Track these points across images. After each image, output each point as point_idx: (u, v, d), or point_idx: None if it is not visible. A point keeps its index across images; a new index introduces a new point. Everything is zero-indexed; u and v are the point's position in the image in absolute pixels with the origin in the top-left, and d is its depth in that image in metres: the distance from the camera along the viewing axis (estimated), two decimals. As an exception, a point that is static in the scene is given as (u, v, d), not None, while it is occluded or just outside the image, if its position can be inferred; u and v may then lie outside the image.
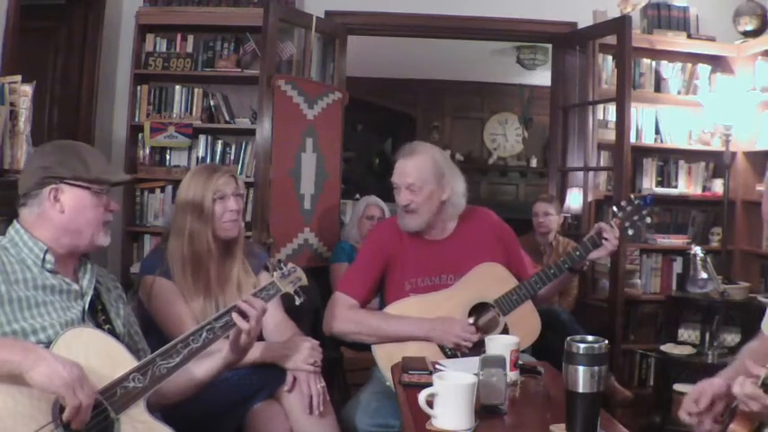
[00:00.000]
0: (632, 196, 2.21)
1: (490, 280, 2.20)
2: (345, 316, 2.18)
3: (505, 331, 2.12)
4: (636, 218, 2.18)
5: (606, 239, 2.14)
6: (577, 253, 2.18)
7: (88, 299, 1.56)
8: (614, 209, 2.21)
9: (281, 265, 1.86)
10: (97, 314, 1.58)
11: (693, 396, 1.48)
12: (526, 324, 2.16)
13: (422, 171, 2.19)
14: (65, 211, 1.51)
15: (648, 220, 2.19)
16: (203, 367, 1.67)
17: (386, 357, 2.12)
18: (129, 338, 1.66)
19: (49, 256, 1.50)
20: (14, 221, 1.55)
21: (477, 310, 2.18)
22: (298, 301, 1.86)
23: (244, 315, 1.64)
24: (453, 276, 2.21)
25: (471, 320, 2.14)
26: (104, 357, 1.43)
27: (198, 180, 2.09)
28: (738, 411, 1.38)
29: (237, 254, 2.13)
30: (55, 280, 1.51)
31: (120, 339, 1.54)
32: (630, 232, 2.19)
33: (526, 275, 2.26)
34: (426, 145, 2.33)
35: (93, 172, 1.54)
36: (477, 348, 1.99)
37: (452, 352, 2.12)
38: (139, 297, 2.07)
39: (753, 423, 1.36)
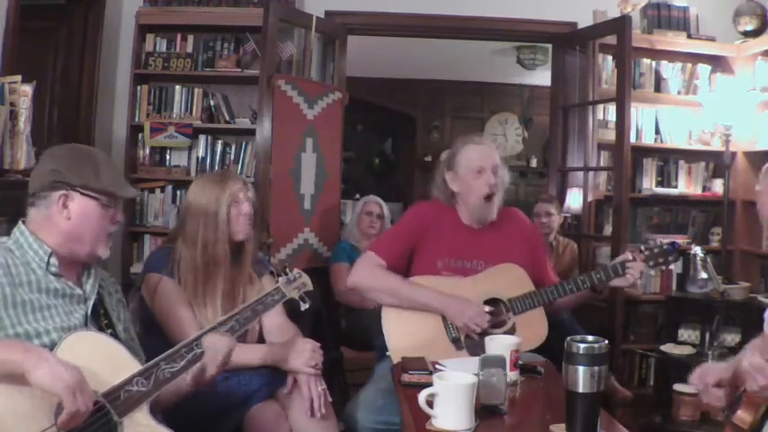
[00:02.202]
0: (660, 241, 2.26)
1: (509, 279, 2.24)
2: (370, 272, 2.25)
3: (512, 331, 2.15)
4: (661, 260, 2.21)
5: (629, 270, 2.17)
6: (598, 275, 2.20)
7: (91, 303, 1.56)
8: (642, 246, 2.25)
9: (287, 270, 1.86)
10: (99, 318, 1.57)
11: (699, 373, 1.54)
12: (533, 328, 2.19)
13: (498, 156, 2.31)
14: (71, 219, 1.51)
15: (672, 266, 2.22)
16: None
17: (394, 328, 2.19)
18: (127, 344, 1.65)
19: (53, 260, 1.50)
20: (20, 223, 1.55)
21: (490, 305, 2.22)
22: (303, 307, 1.86)
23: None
24: (484, 263, 2.27)
25: (488, 308, 2.17)
26: (107, 361, 1.43)
27: (211, 187, 2.09)
28: (744, 398, 1.39)
29: (246, 261, 2.13)
30: (58, 283, 1.51)
31: (121, 343, 1.53)
32: (652, 273, 2.24)
33: (548, 280, 2.33)
34: (484, 138, 2.45)
35: (103, 183, 1.53)
36: (482, 340, 2.00)
37: (456, 335, 2.17)
38: (141, 295, 2.07)
39: (759, 409, 1.37)
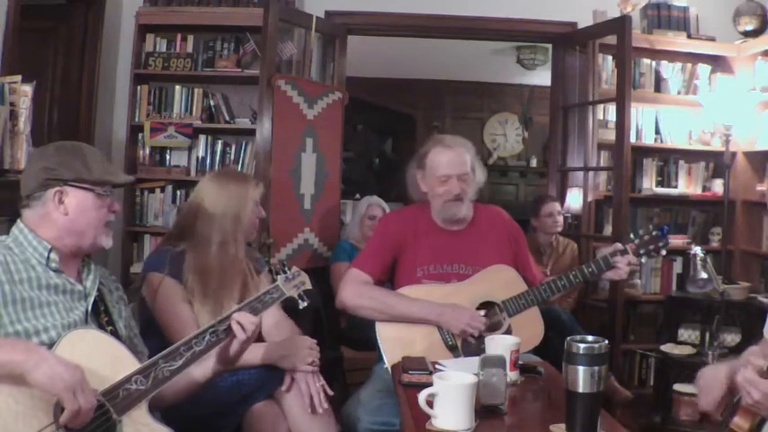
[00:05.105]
0: (651, 227, 2.25)
1: (501, 281, 2.23)
2: (359, 290, 2.22)
3: (508, 333, 2.14)
4: (651, 247, 2.20)
5: (618, 263, 2.16)
6: (590, 269, 2.19)
7: (91, 300, 1.56)
8: (632, 235, 2.25)
9: (285, 268, 1.86)
10: (100, 315, 1.57)
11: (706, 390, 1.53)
12: (530, 328, 2.18)
13: (469, 161, 2.29)
14: (69, 213, 1.52)
15: (663, 252, 2.22)
16: (197, 370, 1.66)
17: (389, 339, 2.17)
18: (128, 341, 1.66)
19: (53, 255, 1.51)
20: (18, 221, 1.55)
21: (484, 308, 2.21)
22: (301, 305, 1.86)
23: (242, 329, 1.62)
24: (464, 266, 2.25)
25: (482, 312, 2.16)
26: (107, 359, 1.43)
27: (233, 187, 2.09)
28: (741, 405, 1.39)
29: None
30: (59, 279, 1.51)
31: (122, 341, 1.54)
32: (644, 260, 2.24)
33: (531, 276, 2.31)
34: (457, 137, 2.39)
35: (95, 173, 1.54)
36: (479, 345, 1.99)
37: (453, 342, 2.16)
38: (142, 295, 2.06)
39: (755, 417, 1.38)
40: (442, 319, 2.15)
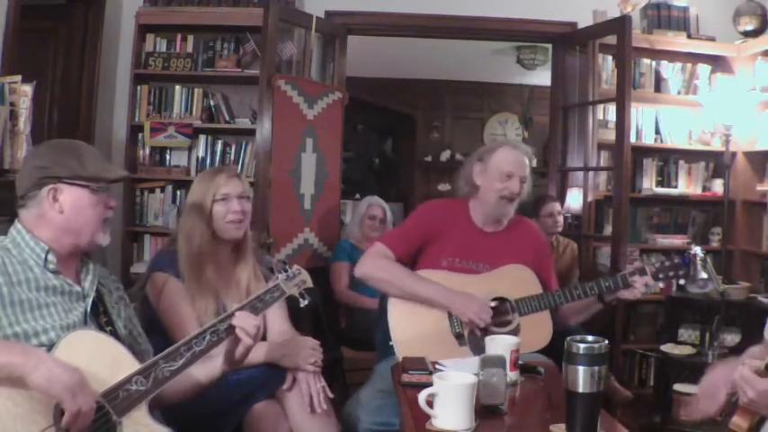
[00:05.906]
0: (673, 255, 2.27)
1: (517, 280, 2.26)
2: (380, 263, 2.28)
3: (516, 331, 2.15)
4: (671, 273, 2.21)
5: (636, 283, 2.17)
6: (606, 283, 2.20)
7: (90, 300, 1.55)
8: (653, 259, 2.24)
9: (286, 267, 1.85)
10: (99, 316, 1.57)
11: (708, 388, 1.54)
12: (538, 330, 2.19)
13: (528, 170, 2.36)
14: (64, 211, 1.50)
15: (683, 281, 2.23)
16: (202, 371, 1.66)
17: (398, 318, 2.21)
18: (131, 340, 1.65)
19: (51, 257, 1.50)
20: (16, 222, 1.54)
21: (496, 304, 2.22)
22: (302, 304, 1.85)
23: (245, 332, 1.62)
24: (489, 267, 2.29)
25: (492, 304, 2.18)
26: (106, 360, 1.42)
27: (201, 182, 2.13)
28: (740, 405, 1.39)
29: (248, 257, 2.14)
30: (57, 281, 1.50)
31: (121, 341, 1.53)
32: (661, 285, 2.25)
33: (550, 291, 2.32)
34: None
35: (90, 170, 1.53)
36: (484, 339, 2.00)
37: (460, 331, 2.18)
38: (146, 293, 2.07)
39: (754, 416, 1.38)
40: (452, 305, 2.18)
